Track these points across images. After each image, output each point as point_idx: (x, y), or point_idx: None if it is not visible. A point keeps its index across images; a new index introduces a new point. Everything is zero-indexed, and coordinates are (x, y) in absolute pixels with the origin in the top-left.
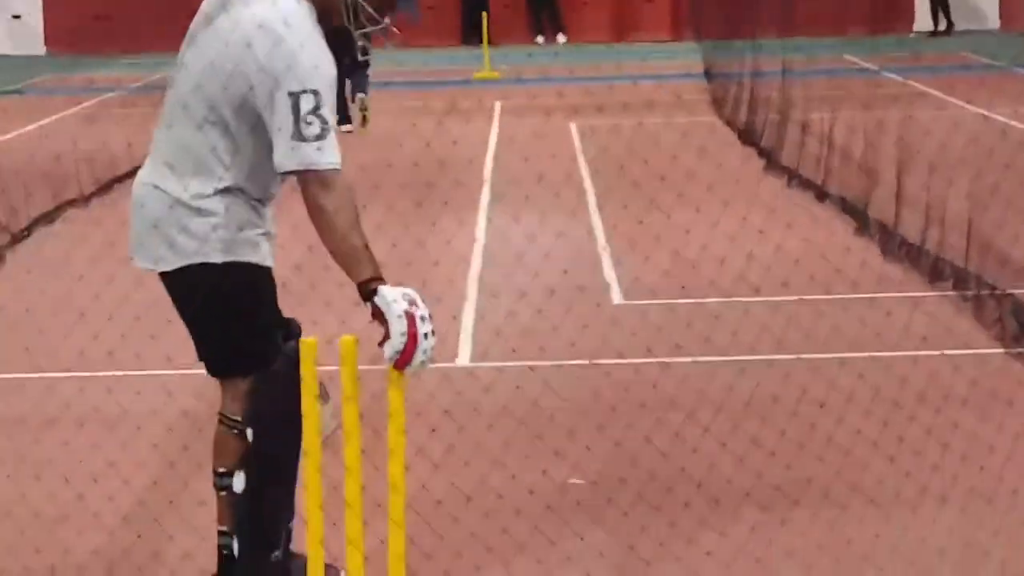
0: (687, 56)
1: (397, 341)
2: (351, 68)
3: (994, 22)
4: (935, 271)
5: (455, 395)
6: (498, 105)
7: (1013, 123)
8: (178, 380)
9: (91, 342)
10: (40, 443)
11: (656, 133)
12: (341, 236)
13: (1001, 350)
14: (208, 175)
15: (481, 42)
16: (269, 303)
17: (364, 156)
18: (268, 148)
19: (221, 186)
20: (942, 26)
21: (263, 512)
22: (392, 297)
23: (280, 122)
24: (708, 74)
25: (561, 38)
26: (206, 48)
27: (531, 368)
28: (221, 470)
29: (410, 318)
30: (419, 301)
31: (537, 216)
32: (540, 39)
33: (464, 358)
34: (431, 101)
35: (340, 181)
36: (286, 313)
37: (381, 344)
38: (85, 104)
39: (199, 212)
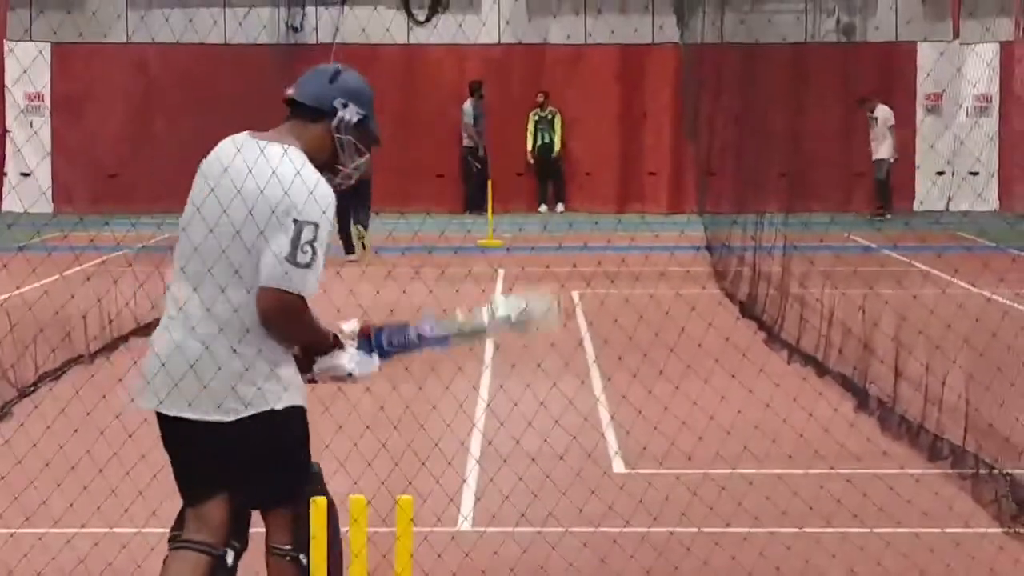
0: (687, 228)
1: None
2: (351, 198)
3: (993, 203)
4: (934, 449)
5: (463, 558)
6: (501, 272)
7: (1016, 305)
8: (161, 538)
9: (81, 497)
10: None
11: (658, 303)
12: (289, 343)
13: (999, 529)
14: (245, 328)
15: (481, 210)
16: (307, 439)
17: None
18: None
19: (258, 336)
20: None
21: None
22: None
23: (279, 246)
24: (710, 247)
25: (560, 207)
26: (218, 211)
27: (538, 534)
28: None
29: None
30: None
31: (540, 382)
32: (543, 208)
33: (472, 521)
34: (432, 266)
35: (302, 310)
36: None
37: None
38: (91, 263)
39: (247, 363)
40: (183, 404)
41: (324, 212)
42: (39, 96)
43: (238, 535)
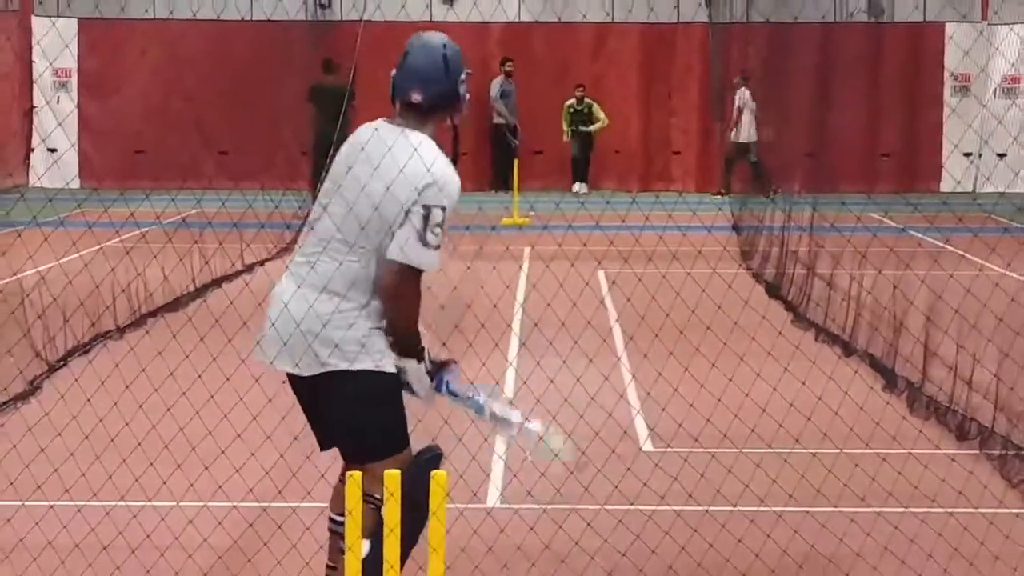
0: (713, 208)
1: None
2: None
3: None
4: (961, 429)
5: (497, 534)
6: (527, 251)
7: None
8: (202, 511)
9: (120, 470)
10: (69, 571)
11: (684, 283)
12: (403, 326)
13: None
14: (362, 293)
15: (509, 189)
16: (402, 406)
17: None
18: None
19: (366, 301)
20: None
21: None
22: (410, 379)
23: (412, 225)
24: (736, 227)
25: (583, 187)
26: (360, 188)
27: (569, 511)
28: None
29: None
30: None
31: (574, 360)
32: (579, 187)
33: (506, 498)
34: (459, 245)
35: (419, 290)
36: None
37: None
38: (121, 238)
39: (368, 327)
40: (284, 360)
41: (452, 197)
42: (67, 72)
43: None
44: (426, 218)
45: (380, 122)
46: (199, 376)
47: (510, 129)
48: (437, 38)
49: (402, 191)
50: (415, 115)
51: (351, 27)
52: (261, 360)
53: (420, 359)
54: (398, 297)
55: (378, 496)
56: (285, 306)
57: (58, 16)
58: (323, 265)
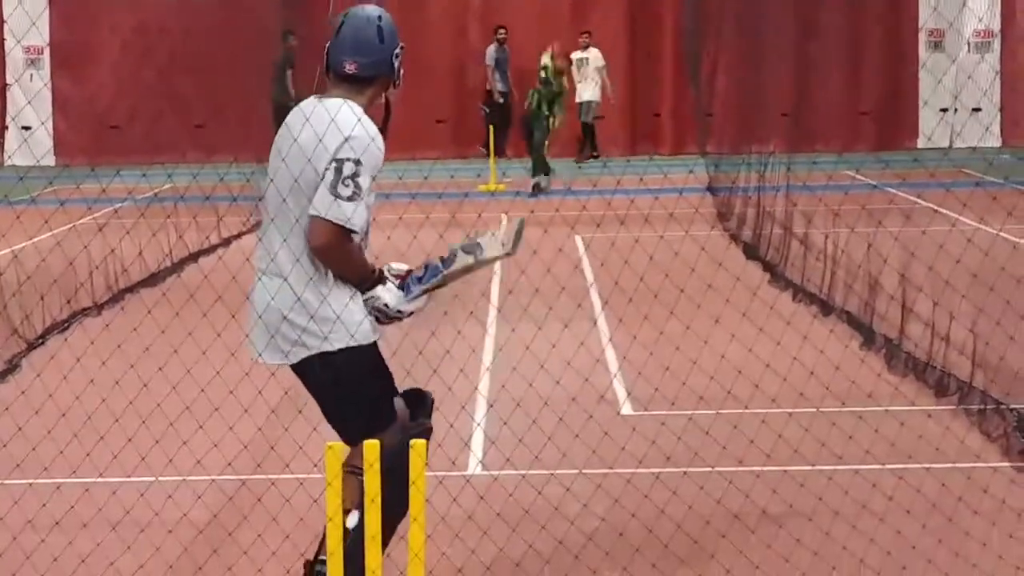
0: (689, 170)
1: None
2: None
3: (998, 138)
4: (941, 385)
5: (477, 501)
6: (504, 217)
7: (1020, 240)
8: (181, 486)
9: (98, 447)
10: (50, 549)
11: (661, 245)
12: (346, 275)
13: (1009, 464)
14: (306, 273)
15: (503, 155)
16: (385, 372)
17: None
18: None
19: (316, 280)
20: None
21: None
22: (385, 299)
23: (324, 181)
24: (712, 188)
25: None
26: (293, 157)
27: (549, 476)
28: (344, 508)
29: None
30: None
31: (551, 325)
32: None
33: (485, 465)
34: (435, 213)
35: (347, 242)
36: None
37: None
38: (96, 214)
39: (333, 305)
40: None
41: (365, 150)
42: (38, 49)
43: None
44: (338, 171)
45: (310, 98)
46: (175, 351)
47: (502, 95)
48: (372, 10)
49: (320, 159)
50: (349, 87)
51: None
52: (253, 358)
53: (382, 282)
54: (326, 252)
55: (362, 467)
56: (261, 299)
57: None
58: (277, 250)
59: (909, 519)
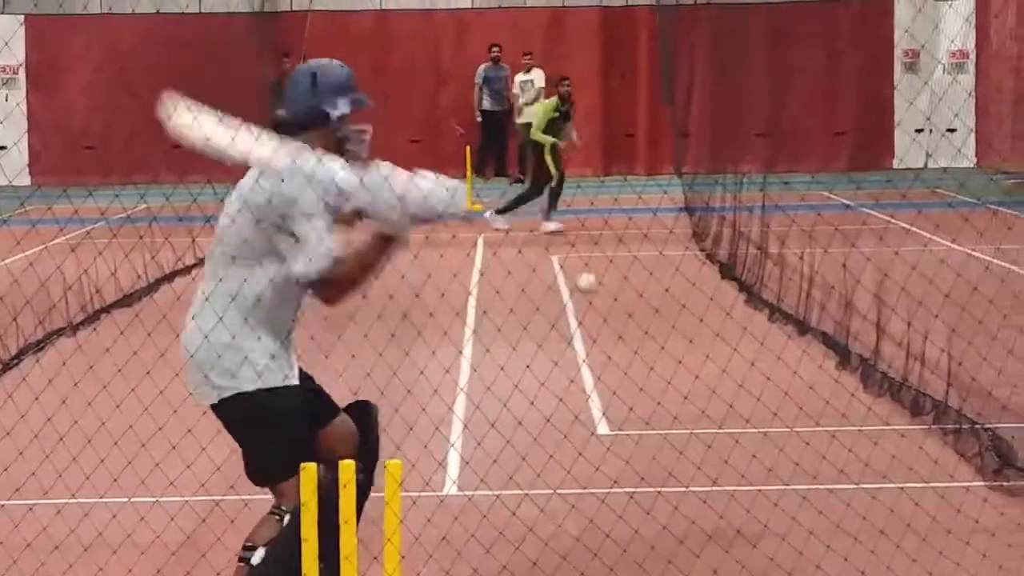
0: (666, 190)
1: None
2: None
3: (972, 159)
4: (916, 405)
5: (451, 521)
6: (480, 238)
7: (996, 260)
8: (155, 507)
9: (70, 468)
10: (22, 570)
11: (638, 265)
12: (354, 292)
13: (983, 483)
14: (244, 312)
15: (498, 175)
16: (302, 417)
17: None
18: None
19: (254, 321)
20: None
21: None
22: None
23: (286, 242)
24: (688, 208)
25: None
26: (241, 203)
27: (525, 496)
28: (248, 544)
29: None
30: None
31: (525, 345)
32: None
33: (460, 485)
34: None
35: (340, 272)
36: None
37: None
38: (70, 235)
39: (241, 348)
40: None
41: (299, 190)
42: (14, 69)
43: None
44: (290, 219)
45: None
46: (147, 372)
47: (482, 114)
48: (314, 64)
49: (256, 199)
50: (286, 134)
51: (299, 18)
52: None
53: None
54: (337, 297)
55: (284, 508)
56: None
57: (2, 12)
58: (209, 290)
59: (882, 539)
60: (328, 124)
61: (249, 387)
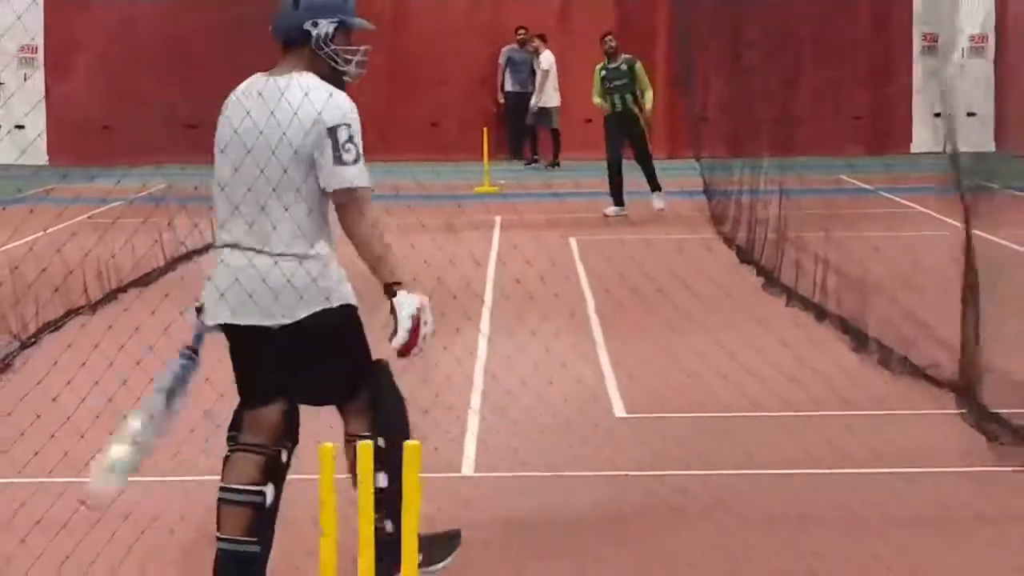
0: (684, 174)
1: (401, 337)
2: None
3: (990, 144)
4: (935, 388)
5: (468, 503)
6: (498, 220)
7: (1013, 246)
8: (170, 486)
9: (78, 444)
10: (28, 546)
11: (656, 249)
12: (373, 247)
13: (1009, 469)
14: (305, 237)
15: (515, 157)
16: (364, 335)
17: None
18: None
19: (318, 242)
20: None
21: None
22: (406, 302)
23: (326, 156)
24: (707, 192)
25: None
26: (259, 137)
27: (542, 478)
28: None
29: (415, 321)
30: (427, 307)
31: (544, 330)
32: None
33: (476, 467)
34: (430, 217)
35: (370, 200)
36: None
37: (390, 339)
38: (89, 214)
39: (312, 266)
40: (254, 314)
41: (347, 113)
42: (32, 49)
43: (291, 434)
44: (335, 139)
45: (255, 76)
46: (151, 348)
47: (506, 96)
48: None
49: (297, 130)
50: (285, 55)
51: None
52: (210, 324)
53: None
54: (354, 222)
55: (367, 434)
56: (237, 266)
57: None
58: (260, 222)
59: (918, 524)
60: (308, 43)
61: (335, 303)
